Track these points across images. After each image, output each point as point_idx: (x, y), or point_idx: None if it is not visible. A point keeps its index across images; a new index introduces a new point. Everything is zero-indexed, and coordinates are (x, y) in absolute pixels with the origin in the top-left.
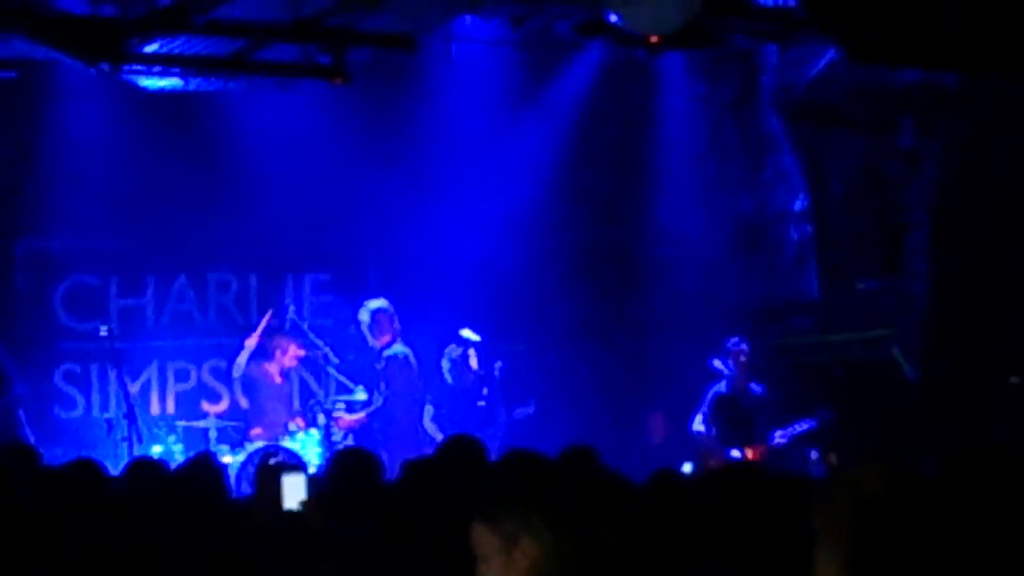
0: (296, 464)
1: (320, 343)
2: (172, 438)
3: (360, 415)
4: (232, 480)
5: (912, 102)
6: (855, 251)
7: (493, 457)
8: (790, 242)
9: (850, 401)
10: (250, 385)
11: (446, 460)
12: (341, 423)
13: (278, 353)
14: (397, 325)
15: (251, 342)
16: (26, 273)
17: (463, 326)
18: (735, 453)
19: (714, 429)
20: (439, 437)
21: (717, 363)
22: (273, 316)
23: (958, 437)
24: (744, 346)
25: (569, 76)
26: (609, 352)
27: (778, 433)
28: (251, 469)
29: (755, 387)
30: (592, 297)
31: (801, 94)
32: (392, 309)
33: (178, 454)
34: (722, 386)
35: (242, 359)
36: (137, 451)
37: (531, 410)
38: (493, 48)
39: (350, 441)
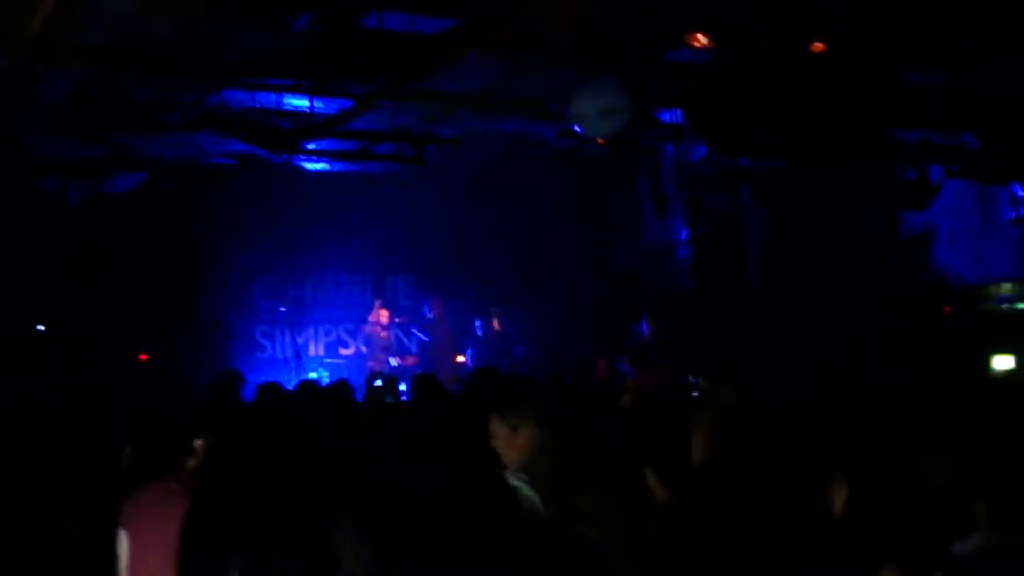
0: (392, 378)
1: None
2: (322, 370)
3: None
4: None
5: (750, 175)
6: (713, 261)
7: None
8: (679, 256)
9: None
10: (368, 339)
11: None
12: (408, 361)
13: (377, 312)
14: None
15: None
16: (240, 273)
17: (489, 303)
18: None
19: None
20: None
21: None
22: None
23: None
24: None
25: (556, 158)
26: (577, 322)
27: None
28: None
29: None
30: (574, 286)
31: (687, 170)
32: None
33: (325, 379)
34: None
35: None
36: (301, 376)
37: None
38: (506, 146)
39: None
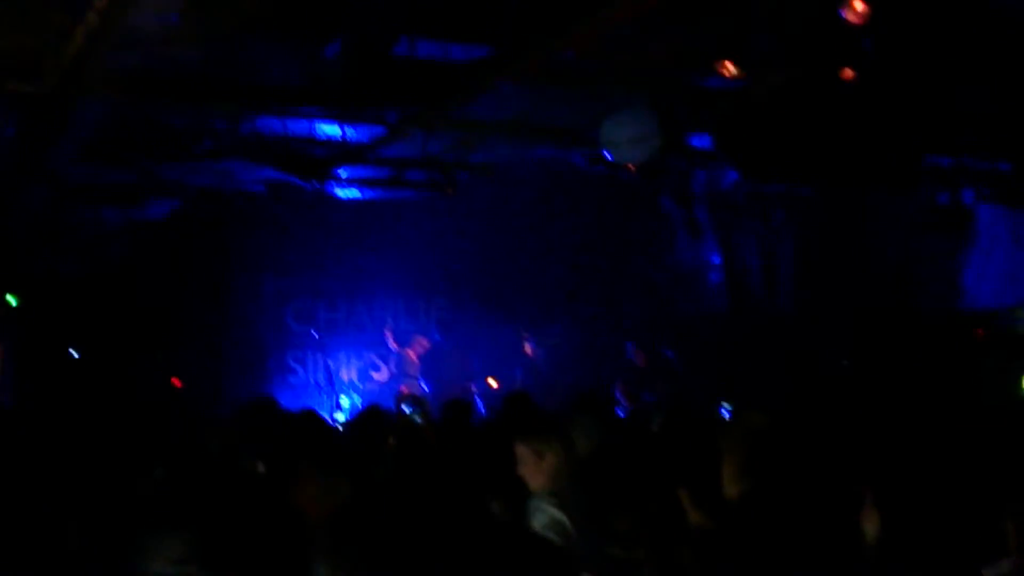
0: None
1: (438, 339)
2: (354, 393)
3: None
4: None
5: (780, 199)
6: (747, 284)
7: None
8: (711, 281)
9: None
10: (399, 363)
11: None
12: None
13: (417, 342)
14: None
15: (395, 346)
16: (272, 298)
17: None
18: None
19: None
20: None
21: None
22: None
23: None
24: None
25: (587, 184)
26: (609, 345)
27: None
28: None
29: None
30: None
31: (717, 195)
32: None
33: (357, 403)
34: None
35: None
36: (334, 401)
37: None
38: (538, 170)
39: None
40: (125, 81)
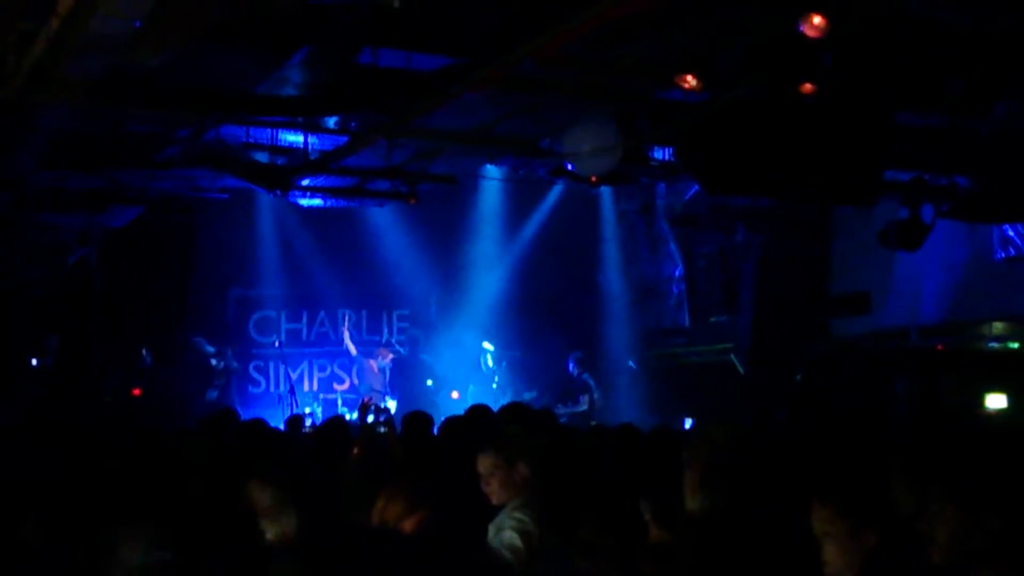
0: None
1: (400, 351)
2: (316, 404)
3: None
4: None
5: (743, 213)
6: (709, 300)
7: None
8: (672, 294)
9: (705, 387)
10: (361, 374)
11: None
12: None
13: (380, 354)
14: None
15: (353, 350)
16: (234, 308)
17: (485, 341)
18: None
19: None
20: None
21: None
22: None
23: (765, 409)
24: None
25: (547, 199)
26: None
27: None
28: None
29: None
30: (560, 326)
31: (679, 209)
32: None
33: (319, 414)
34: None
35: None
36: (296, 411)
37: (535, 394)
38: (502, 182)
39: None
40: (87, 88)
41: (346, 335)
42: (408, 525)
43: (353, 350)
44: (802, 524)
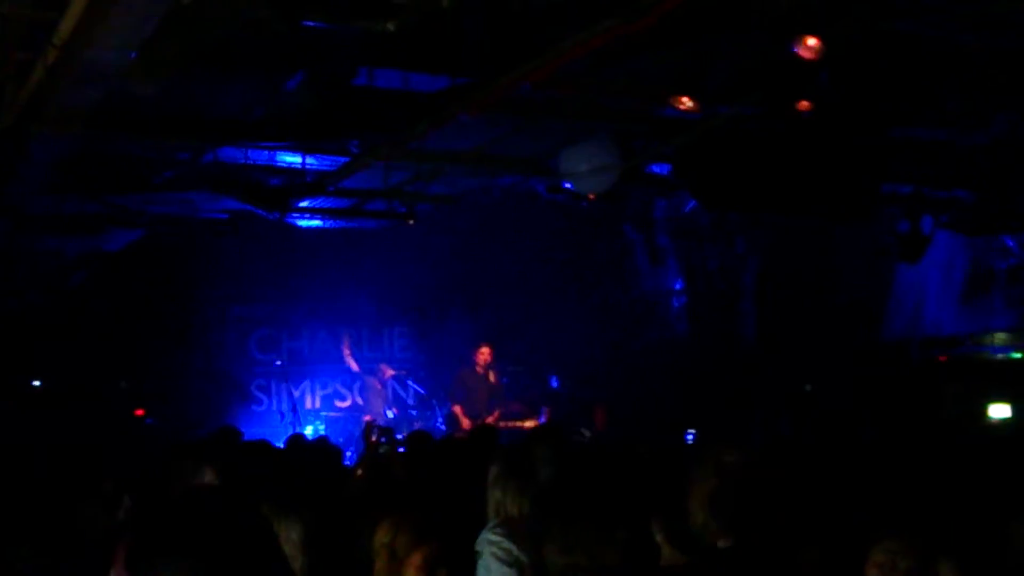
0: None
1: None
2: (318, 422)
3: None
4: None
5: (742, 226)
6: (709, 310)
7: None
8: (673, 307)
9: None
10: (363, 391)
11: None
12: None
13: (381, 370)
14: None
15: (355, 367)
16: (235, 327)
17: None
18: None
19: None
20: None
21: None
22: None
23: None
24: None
25: (547, 213)
26: (573, 373)
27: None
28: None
29: None
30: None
31: (679, 221)
32: None
33: (321, 432)
34: None
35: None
36: (298, 430)
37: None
38: (499, 200)
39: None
40: (85, 116)
41: (347, 352)
42: (416, 559)
43: (355, 367)
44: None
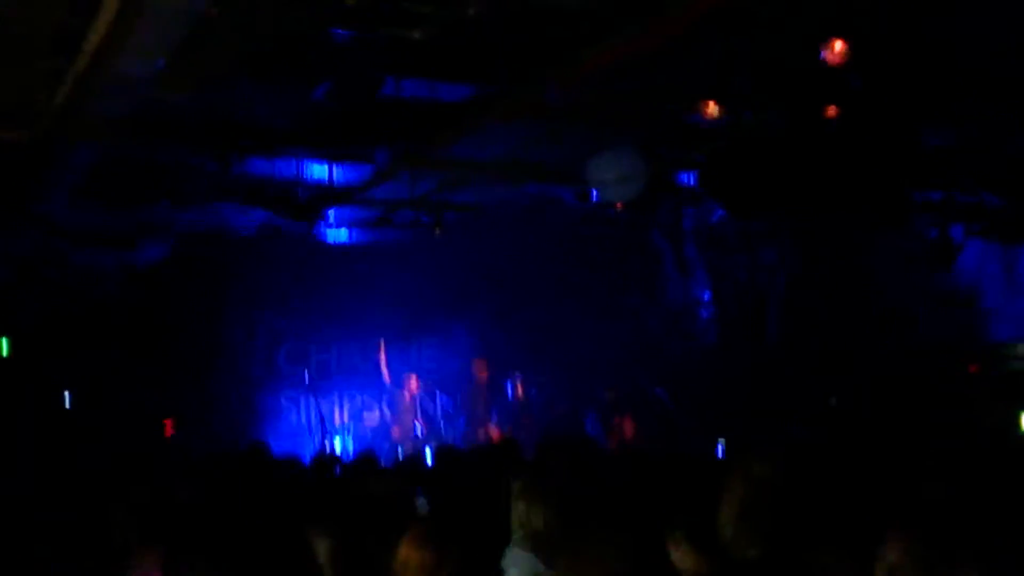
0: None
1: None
2: (347, 436)
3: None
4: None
5: (769, 235)
6: (738, 320)
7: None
8: (701, 317)
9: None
10: (392, 404)
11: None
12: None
13: (408, 382)
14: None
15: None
16: (264, 339)
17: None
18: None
19: None
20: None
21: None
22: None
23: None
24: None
25: (576, 222)
26: (601, 383)
27: None
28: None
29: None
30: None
31: (706, 231)
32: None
33: (350, 445)
34: None
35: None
36: (327, 443)
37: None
38: (526, 208)
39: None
40: (114, 126)
41: (383, 360)
42: (439, 574)
43: (387, 377)
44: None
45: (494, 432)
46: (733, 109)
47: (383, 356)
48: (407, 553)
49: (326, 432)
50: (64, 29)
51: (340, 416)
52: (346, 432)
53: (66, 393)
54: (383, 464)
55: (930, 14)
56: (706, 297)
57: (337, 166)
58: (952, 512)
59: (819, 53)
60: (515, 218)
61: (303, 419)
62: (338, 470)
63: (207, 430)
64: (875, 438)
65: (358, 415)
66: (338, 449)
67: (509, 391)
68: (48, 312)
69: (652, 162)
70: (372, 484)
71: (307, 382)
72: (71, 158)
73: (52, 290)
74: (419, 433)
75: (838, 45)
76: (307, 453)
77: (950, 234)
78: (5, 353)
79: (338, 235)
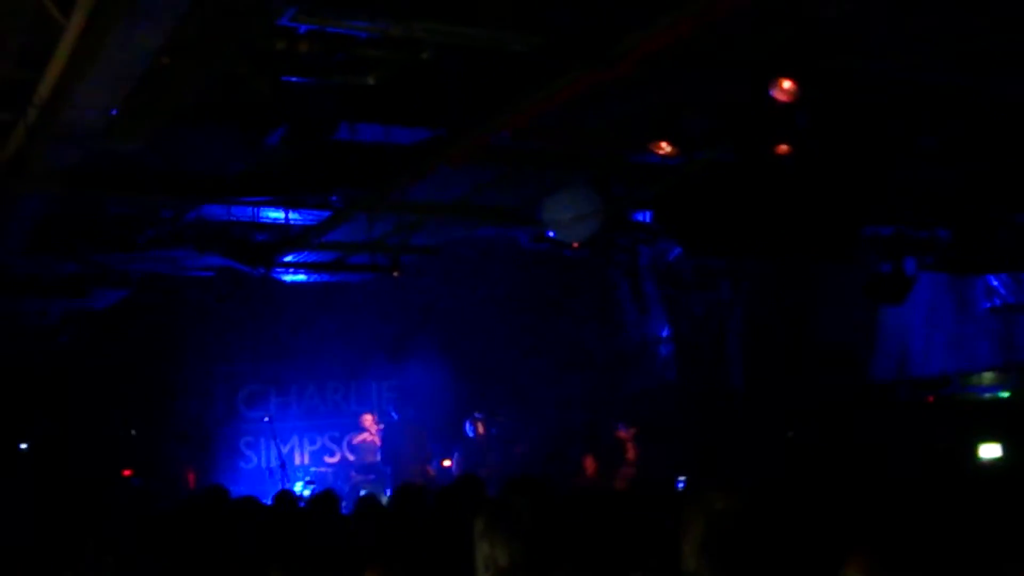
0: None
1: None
2: (307, 478)
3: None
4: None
5: (726, 271)
6: (697, 357)
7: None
8: (660, 354)
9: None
10: (352, 445)
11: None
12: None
13: (368, 424)
14: None
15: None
16: (223, 384)
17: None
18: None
19: None
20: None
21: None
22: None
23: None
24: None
25: (532, 262)
26: (561, 420)
27: None
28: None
29: None
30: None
31: (664, 269)
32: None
33: (310, 488)
34: None
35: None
36: (287, 487)
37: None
38: (482, 250)
39: None
40: (67, 175)
41: (370, 422)
42: None
43: (374, 435)
44: None
45: (430, 471)
46: (684, 147)
47: (373, 423)
48: None
49: (286, 476)
50: (13, 81)
51: (301, 459)
52: (306, 473)
53: (21, 444)
54: (343, 504)
55: (874, 55)
56: (664, 333)
57: (293, 211)
58: (910, 537)
59: (768, 91)
60: (472, 259)
61: (263, 461)
62: (299, 509)
63: (166, 476)
64: (832, 470)
65: (319, 458)
66: (298, 490)
67: (469, 430)
68: (1, 362)
69: (607, 201)
70: (332, 524)
71: (267, 424)
72: (21, 207)
73: (5, 340)
74: (378, 473)
75: (787, 83)
76: (268, 495)
77: (902, 267)
78: None
79: (295, 279)
